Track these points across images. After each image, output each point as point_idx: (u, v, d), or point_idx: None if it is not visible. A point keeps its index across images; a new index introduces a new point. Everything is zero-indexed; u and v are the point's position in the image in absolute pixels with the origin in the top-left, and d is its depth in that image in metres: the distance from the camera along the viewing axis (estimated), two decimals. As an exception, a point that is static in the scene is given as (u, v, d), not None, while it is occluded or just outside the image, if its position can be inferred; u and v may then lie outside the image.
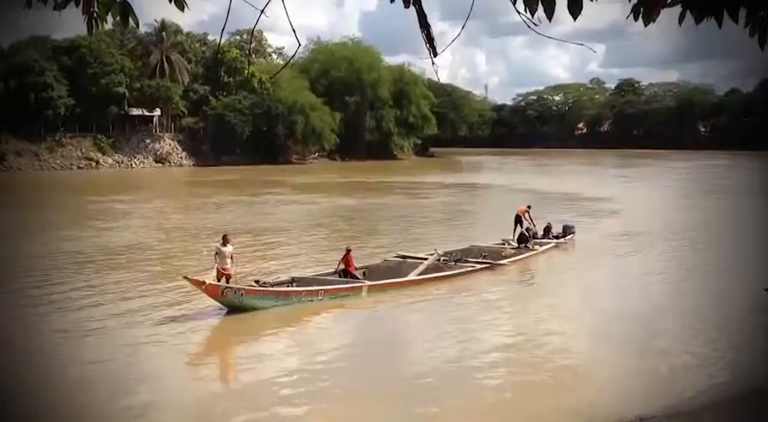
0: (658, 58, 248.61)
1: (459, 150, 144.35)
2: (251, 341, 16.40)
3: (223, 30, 5.11)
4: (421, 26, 3.64)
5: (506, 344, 15.10)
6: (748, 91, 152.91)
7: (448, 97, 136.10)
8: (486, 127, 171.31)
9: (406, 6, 3.54)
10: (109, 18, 5.59)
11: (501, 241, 26.93)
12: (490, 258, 23.92)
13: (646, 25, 3.65)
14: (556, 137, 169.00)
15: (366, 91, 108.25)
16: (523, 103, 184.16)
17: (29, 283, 21.14)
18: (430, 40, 3.64)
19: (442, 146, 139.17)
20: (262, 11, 4.81)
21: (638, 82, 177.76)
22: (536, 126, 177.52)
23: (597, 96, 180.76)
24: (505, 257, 24.55)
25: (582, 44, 4.05)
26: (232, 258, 18.31)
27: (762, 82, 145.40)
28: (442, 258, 22.98)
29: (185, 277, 17.51)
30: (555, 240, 27.85)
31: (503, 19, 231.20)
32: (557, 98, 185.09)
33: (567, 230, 28.90)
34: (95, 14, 5.25)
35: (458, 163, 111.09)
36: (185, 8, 5.40)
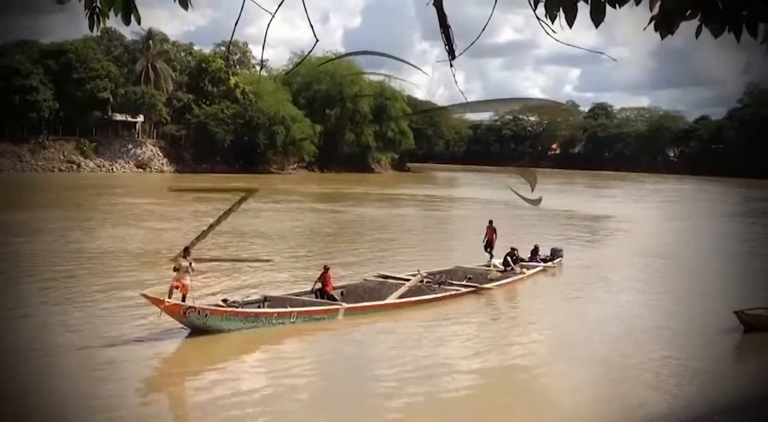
0: (630, 84, 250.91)
1: (435, 165, 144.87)
2: (209, 369, 14.48)
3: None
4: (441, 26, 3.52)
5: (483, 376, 14.26)
6: (717, 119, 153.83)
7: (426, 112, 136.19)
8: (462, 144, 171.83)
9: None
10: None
11: (487, 263, 25.40)
12: (475, 281, 22.64)
13: (663, 38, 3.56)
14: (530, 156, 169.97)
15: (347, 104, 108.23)
16: (498, 123, 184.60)
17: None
18: (449, 41, 3.51)
19: (419, 161, 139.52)
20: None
21: (611, 106, 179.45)
22: (511, 145, 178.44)
23: (571, 118, 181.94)
24: (491, 280, 23.03)
25: (602, 53, 3.94)
26: (189, 271, 16.73)
27: (731, 110, 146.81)
28: (425, 280, 21.63)
29: (143, 295, 15.96)
30: (543, 264, 26.36)
31: (483, 41, 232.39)
32: (532, 119, 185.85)
33: (555, 253, 27.49)
34: (97, 10, 5.08)
35: (436, 178, 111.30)
36: (189, 7, 5.25)
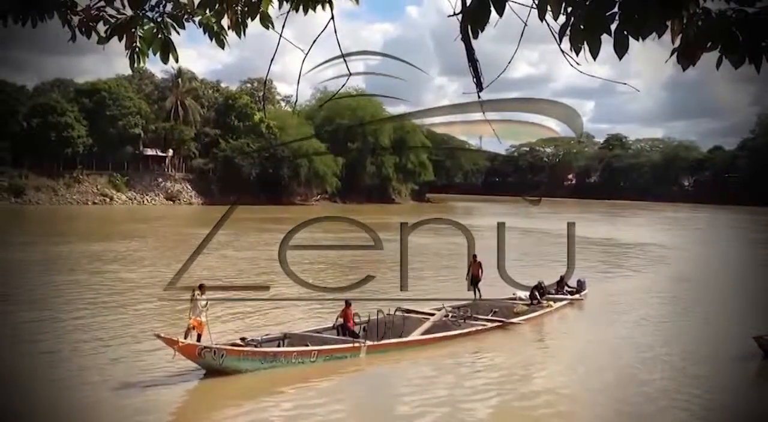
0: (644, 115, 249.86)
1: (454, 196, 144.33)
2: (224, 414, 13.55)
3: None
4: (468, 60, 3.55)
5: (512, 416, 13.59)
6: (730, 149, 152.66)
7: (445, 146, 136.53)
8: (480, 175, 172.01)
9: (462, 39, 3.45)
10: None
11: (512, 295, 23.53)
12: (500, 315, 21.47)
13: (684, 69, 3.58)
14: (547, 187, 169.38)
15: (367, 138, 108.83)
16: (515, 154, 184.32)
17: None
18: (476, 73, 3.54)
19: (438, 192, 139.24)
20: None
21: (625, 137, 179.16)
22: (528, 175, 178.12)
23: (586, 149, 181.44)
24: (518, 314, 21.82)
25: (625, 84, 3.95)
26: (205, 309, 16.01)
27: (743, 140, 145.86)
28: (450, 315, 20.50)
29: (157, 335, 14.88)
30: (570, 297, 24.95)
31: (501, 76, 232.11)
32: (548, 150, 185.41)
33: (581, 285, 25.89)
34: (137, 49, 5.20)
35: (458, 208, 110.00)
36: (225, 46, 5.35)
